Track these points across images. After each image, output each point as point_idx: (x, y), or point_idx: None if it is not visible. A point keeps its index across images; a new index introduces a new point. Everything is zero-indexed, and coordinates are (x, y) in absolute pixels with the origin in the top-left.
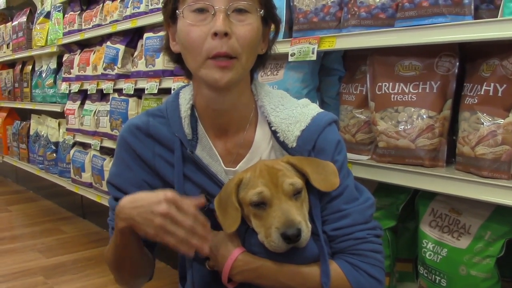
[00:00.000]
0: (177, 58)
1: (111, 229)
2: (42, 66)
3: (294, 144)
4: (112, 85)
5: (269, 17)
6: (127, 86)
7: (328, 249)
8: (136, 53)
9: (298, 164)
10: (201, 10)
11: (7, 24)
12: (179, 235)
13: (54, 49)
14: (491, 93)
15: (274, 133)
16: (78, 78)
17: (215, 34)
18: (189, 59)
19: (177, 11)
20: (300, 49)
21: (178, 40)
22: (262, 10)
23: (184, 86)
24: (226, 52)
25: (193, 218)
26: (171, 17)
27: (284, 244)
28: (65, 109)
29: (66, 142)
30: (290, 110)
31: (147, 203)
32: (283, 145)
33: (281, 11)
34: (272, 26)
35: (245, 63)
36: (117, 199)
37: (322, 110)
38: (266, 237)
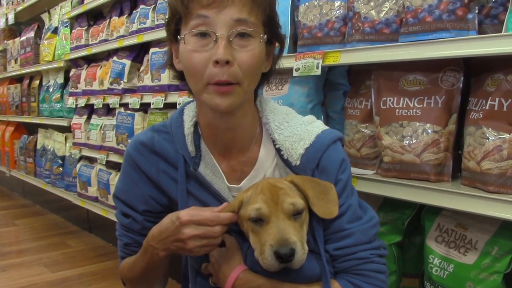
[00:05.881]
0: (181, 75)
1: (122, 245)
2: (49, 81)
3: (298, 162)
4: (118, 100)
5: (273, 37)
6: (133, 100)
7: (331, 268)
8: (142, 68)
9: (301, 185)
10: (203, 35)
11: (15, 40)
12: (215, 242)
13: (62, 64)
14: (496, 108)
15: (278, 150)
16: (84, 93)
17: (217, 62)
18: (190, 82)
19: (178, 36)
20: (305, 64)
21: (181, 61)
22: (265, 35)
23: (189, 102)
24: (227, 80)
25: (217, 221)
26: (174, 36)
27: (277, 263)
28: (71, 123)
29: (72, 156)
30: (295, 128)
31: (170, 233)
32: (287, 163)
33: (286, 26)
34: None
35: (247, 88)
36: (124, 214)
37: (327, 128)
38: (261, 253)
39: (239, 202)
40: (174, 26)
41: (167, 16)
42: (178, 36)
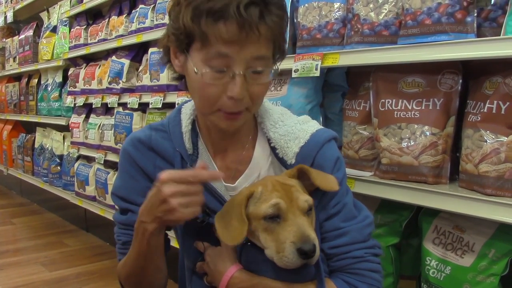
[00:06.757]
0: (180, 76)
1: (120, 245)
2: (48, 80)
3: (293, 161)
4: (117, 99)
5: (281, 57)
6: (131, 100)
7: (325, 267)
8: (141, 68)
9: (305, 169)
10: (220, 70)
11: (14, 38)
12: (198, 200)
13: (60, 63)
14: (494, 111)
15: (273, 149)
16: (83, 92)
17: (232, 97)
18: (199, 105)
19: (192, 63)
20: (304, 65)
21: (188, 79)
22: (277, 64)
23: (186, 101)
24: (239, 111)
25: (198, 177)
26: (181, 47)
27: (299, 259)
28: (70, 122)
29: (70, 155)
30: (290, 127)
31: (154, 199)
32: (282, 161)
33: None
34: None
35: (254, 111)
36: (123, 210)
37: (322, 127)
38: (278, 252)
39: (249, 192)
40: (185, 39)
41: (174, 23)
42: (194, 68)
